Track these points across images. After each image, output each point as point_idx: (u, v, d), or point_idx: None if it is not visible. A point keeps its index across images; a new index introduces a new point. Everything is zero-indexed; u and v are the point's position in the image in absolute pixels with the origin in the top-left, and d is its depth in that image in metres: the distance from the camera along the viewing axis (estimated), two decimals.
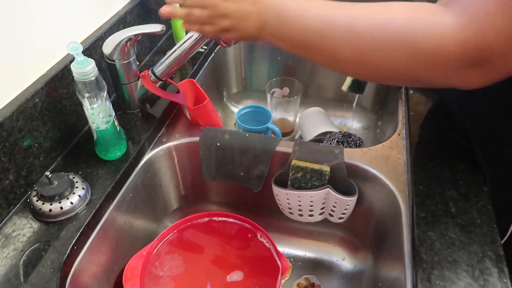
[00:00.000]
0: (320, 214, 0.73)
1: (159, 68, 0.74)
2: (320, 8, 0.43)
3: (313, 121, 0.99)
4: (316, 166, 0.68)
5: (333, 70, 0.46)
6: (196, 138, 0.75)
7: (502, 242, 0.56)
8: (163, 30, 0.69)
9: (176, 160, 0.78)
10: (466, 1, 0.37)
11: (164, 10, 0.54)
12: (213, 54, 1.04)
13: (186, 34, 0.71)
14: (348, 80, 0.92)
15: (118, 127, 0.69)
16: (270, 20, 0.46)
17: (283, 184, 0.72)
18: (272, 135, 0.87)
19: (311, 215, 0.73)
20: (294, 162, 0.69)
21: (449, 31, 0.37)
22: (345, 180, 0.69)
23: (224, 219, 0.77)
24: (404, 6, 0.41)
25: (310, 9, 0.44)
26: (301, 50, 0.46)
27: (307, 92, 1.11)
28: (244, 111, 0.95)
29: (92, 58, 0.61)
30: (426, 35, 0.38)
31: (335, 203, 0.70)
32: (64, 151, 0.70)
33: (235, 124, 0.94)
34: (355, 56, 0.42)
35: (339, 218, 0.73)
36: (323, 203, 0.71)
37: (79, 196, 0.60)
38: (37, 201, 0.59)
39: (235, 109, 1.16)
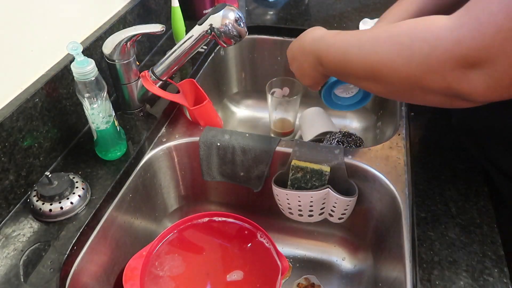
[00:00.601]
0: (320, 214, 0.73)
1: (159, 68, 0.74)
2: (340, 41, 0.54)
3: (313, 121, 0.99)
4: (316, 166, 0.68)
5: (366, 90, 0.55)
6: (196, 138, 0.75)
7: None
8: (163, 30, 0.69)
9: (176, 160, 0.78)
10: (469, 4, 0.38)
11: None
12: (213, 54, 1.04)
13: (186, 34, 0.71)
14: None
15: (118, 127, 0.69)
16: (318, 62, 0.59)
17: (283, 184, 0.72)
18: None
19: (311, 215, 0.73)
20: (294, 162, 0.69)
21: (443, 31, 0.38)
22: (345, 180, 0.69)
23: (224, 219, 0.77)
24: (413, 19, 0.44)
25: (334, 44, 0.55)
26: (340, 76, 0.58)
27: (307, 92, 1.11)
28: None
29: (92, 58, 0.61)
30: (423, 40, 0.40)
31: (335, 203, 0.70)
32: (64, 151, 0.70)
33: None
34: (368, 73, 0.48)
35: (339, 218, 0.73)
36: (323, 203, 0.71)
37: (79, 196, 0.60)
38: (37, 201, 0.59)
39: (235, 109, 1.16)
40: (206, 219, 0.77)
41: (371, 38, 0.47)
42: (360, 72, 0.49)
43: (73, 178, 0.62)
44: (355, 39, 0.50)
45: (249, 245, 0.74)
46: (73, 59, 0.59)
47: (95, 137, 0.67)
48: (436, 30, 0.39)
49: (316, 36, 0.60)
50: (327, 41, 0.57)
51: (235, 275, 0.70)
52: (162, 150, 0.76)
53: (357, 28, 1.04)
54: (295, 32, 1.06)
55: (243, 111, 1.15)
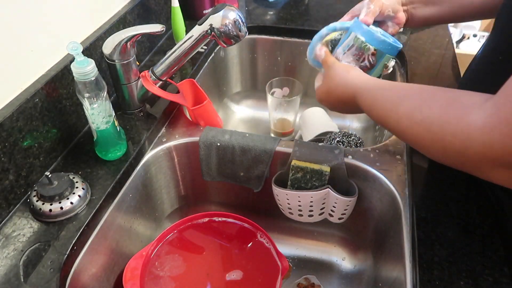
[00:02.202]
0: (320, 214, 0.73)
1: (159, 68, 0.74)
2: (380, 102, 0.52)
3: (313, 121, 0.99)
4: (316, 166, 0.68)
5: None
6: (196, 138, 0.75)
7: None
8: (163, 30, 0.69)
9: (176, 160, 0.78)
10: (501, 100, 0.36)
11: None
12: (213, 54, 1.04)
13: (186, 34, 0.71)
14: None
15: (118, 127, 0.69)
16: (356, 109, 0.58)
17: (283, 184, 0.72)
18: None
19: (311, 215, 0.73)
20: (294, 162, 0.69)
21: (475, 132, 0.37)
22: (345, 180, 0.69)
23: (224, 219, 0.77)
24: (444, 100, 0.43)
25: (374, 104, 0.54)
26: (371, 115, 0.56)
27: (307, 92, 1.11)
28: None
29: (92, 58, 0.61)
30: (453, 135, 0.39)
31: (335, 203, 0.70)
32: (64, 151, 0.70)
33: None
34: (407, 142, 0.49)
35: (339, 219, 0.73)
36: (323, 203, 0.71)
37: (79, 196, 0.60)
38: (37, 201, 0.59)
39: (236, 109, 1.16)
40: (206, 219, 0.77)
41: (407, 114, 0.46)
42: (400, 138, 0.51)
43: (73, 178, 0.62)
44: (392, 108, 0.49)
45: (249, 245, 0.74)
46: (73, 59, 0.59)
47: (95, 137, 0.67)
48: (467, 128, 0.38)
49: (359, 84, 0.58)
50: (367, 94, 0.55)
51: (234, 275, 0.70)
52: (162, 150, 0.76)
53: None
54: (295, 32, 1.07)
55: (243, 111, 1.16)
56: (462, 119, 0.39)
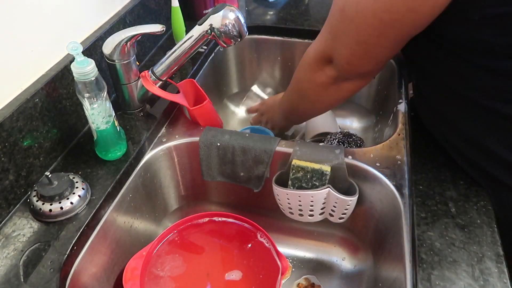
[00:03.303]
0: (320, 214, 0.73)
1: (159, 68, 0.74)
2: (284, 97, 0.86)
3: (314, 121, 0.99)
4: (316, 166, 0.68)
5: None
6: (196, 138, 0.75)
7: None
8: (163, 30, 0.69)
9: (176, 160, 0.78)
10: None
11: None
12: (213, 54, 1.04)
13: (186, 34, 0.71)
14: None
15: (118, 127, 0.69)
16: (280, 115, 0.90)
17: (283, 184, 0.72)
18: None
19: (311, 215, 0.73)
20: (295, 161, 0.69)
21: (312, 46, 0.69)
22: (345, 180, 0.69)
23: (224, 219, 0.77)
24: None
25: (283, 101, 0.86)
26: (302, 117, 0.87)
27: None
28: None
29: (92, 58, 0.61)
30: (304, 56, 0.71)
31: (336, 203, 0.70)
32: (64, 151, 0.70)
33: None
34: (299, 92, 0.78)
35: (340, 218, 0.73)
36: (324, 203, 0.71)
37: (79, 196, 0.60)
38: (37, 201, 0.59)
39: (235, 109, 1.16)
40: (206, 219, 0.77)
41: (296, 71, 0.77)
42: (294, 96, 0.79)
43: (73, 178, 0.62)
44: (292, 85, 0.80)
45: (249, 245, 0.74)
46: (73, 59, 0.59)
47: (95, 137, 0.67)
48: (310, 48, 0.70)
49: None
50: (280, 103, 0.87)
51: (234, 275, 0.70)
52: (162, 150, 0.76)
53: None
54: (295, 32, 1.07)
55: (243, 111, 1.15)
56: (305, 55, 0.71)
